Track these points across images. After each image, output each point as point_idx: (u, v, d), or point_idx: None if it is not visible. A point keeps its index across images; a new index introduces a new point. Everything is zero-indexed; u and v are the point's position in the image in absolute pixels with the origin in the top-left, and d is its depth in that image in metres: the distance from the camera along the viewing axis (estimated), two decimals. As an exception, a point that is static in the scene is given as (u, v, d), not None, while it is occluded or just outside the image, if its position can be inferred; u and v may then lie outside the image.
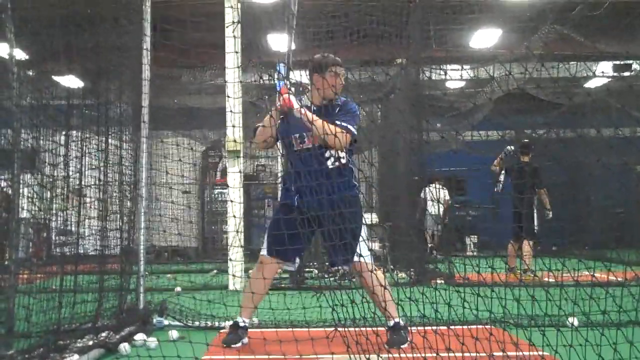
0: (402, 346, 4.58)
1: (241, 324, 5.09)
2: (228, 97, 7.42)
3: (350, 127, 4.86)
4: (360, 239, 4.79)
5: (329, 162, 4.94)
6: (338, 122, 4.83)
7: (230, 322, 5.23)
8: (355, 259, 4.79)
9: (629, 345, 3.50)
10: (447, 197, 16.11)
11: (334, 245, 4.67)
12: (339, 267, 5.29)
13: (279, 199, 5.29)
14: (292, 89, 4.92)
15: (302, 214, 4.73)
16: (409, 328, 4.88)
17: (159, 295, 7.14)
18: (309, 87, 5.50)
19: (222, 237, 16.38)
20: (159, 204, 10.85)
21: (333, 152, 4.92)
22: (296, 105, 4.79)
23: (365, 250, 4.81)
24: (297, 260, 5.15)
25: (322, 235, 4.99)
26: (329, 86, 4.87)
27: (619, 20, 10.18)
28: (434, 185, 14.91)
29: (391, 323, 4.86)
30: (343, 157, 4.97)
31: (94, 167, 5.61)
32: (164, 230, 10.03)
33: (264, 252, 5.14)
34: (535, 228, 10.55)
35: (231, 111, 7.68)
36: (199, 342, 4.41)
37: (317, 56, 5.17)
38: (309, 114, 4.80)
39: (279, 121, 4.96)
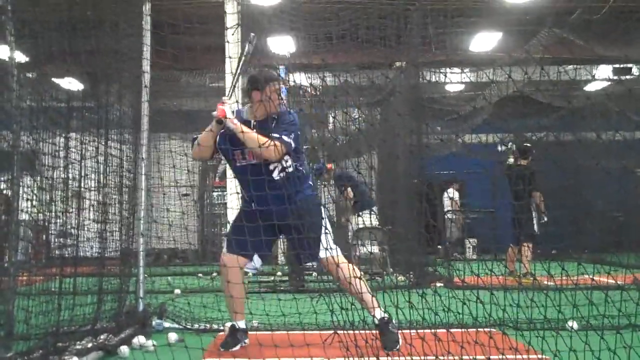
0: (398, 346, 4.63)
1: (238, 327, 5.10)
2: (224, 102, 7.40)
3: (284, 137, 4.87)
4: (324, 234, 4.92)
5: (275, 174, 5.00)
6: (273, 134, 4.86)
7: (229, 324, 5.23)
8: (322, 255, 4.92)
9: (627, 349, 3.50)
10: (456, 199, 16.36)
11: (295, 246, 4.96)
12: (308, 264, 5.40)
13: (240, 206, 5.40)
14: (238, 102, 5.08)
15: (259, 220, 4.84)
16: (393, 321, 4.92)
17: (158, 297, 7.13)
18: (308, 89, 5.55)
19: (221, 239, 16.36)
20: (158, 207, 10.84)
21: (277, 163, 4.98)
22: (229, 116, 4.89)
23: (332, 244, 4.96)
24: (258, 260, 5.16)
25: (285, 239, 5.30)
26: (263, 102, 4.96)
27: (617, 24, 10.20)
28: (449, 189, 15.19)
29: (376, 320, 4.90)
30: (290, 167, 5.02)
31: (93, 169, 5.61)
32: (162, 233, 10.01)
33: (224, 250, 5.22)
34: (535, 232, 10.56)
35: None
36: (196, 347, 4.41)
37: (254, 72, 5.23)
38: (241, 126, 4.88)
39: (220, 135, 5.07)
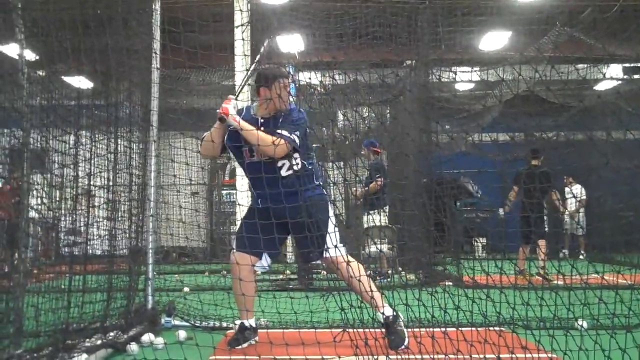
0: (404, 345, 4.61)
1: (247, 325, 5.10)
2: (237, 99, 7.40)
3: (286, 133, 4.85)
4: (329, 233, 4.91)
5: (283, 171, 4.98)
6: (278, 132, 4.84)
7: (238, 322, 5.23)
8: (328, 254, 4.90)
9: (637, 348, 3.48)
10: (584, 196, 15.68)
11: (302, 244, 4.97)
12: (314, 262, 5.39)
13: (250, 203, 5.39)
14: (238, 101, 5.12)
15: (268, 217, 4.85)
16: (400, 317, 4.90)
17: (167, 295, 7.14)
18: (318, 88, 5.53)
19: (230, 238, 16.36)
20: (167, 205, 10.85)
21: (285, 160, 4.96)
22: (231, 113, 4.90)
23: (336, 243, 4.92)
24: (267, 259, 5.15)
25: (292, 236, 5.23)
26: (275, 99, 4.95)
27: (628, 23, 10.14)
28: (572, 184, 14.87)
29: (381, 317, 4.87)
30: (298, 164, 4.99)
31: (103, 167, 5.62)
32: (172, 231, 10.03)
33: (233, 247, 5.22)
34: (545, 230, 10.58)
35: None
36: (205, 344, 4.40)
37: (263, 68, 5.22)
38: (244, 124, 4.89)
39: (228, 133, 5.07)
